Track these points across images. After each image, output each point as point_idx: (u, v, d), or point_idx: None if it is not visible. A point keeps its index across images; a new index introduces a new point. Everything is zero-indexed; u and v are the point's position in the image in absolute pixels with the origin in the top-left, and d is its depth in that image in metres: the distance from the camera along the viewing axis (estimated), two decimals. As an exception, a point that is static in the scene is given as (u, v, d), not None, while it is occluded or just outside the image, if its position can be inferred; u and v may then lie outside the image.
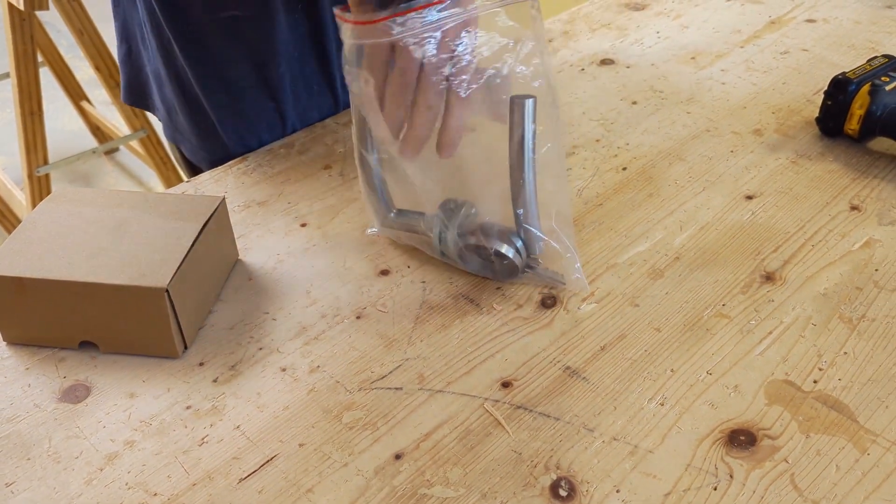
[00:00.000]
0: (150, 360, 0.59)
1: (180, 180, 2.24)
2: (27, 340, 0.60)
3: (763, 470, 0.50)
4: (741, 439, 0.52)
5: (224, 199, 0.65)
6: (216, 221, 0.63)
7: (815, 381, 0.56)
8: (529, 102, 0.57)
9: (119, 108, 2.07)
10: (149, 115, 2.11)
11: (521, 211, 0.60)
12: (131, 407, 0.55)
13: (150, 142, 2.12)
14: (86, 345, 0.59)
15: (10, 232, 2.12)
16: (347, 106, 0.90)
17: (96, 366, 0.59)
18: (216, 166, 0.85)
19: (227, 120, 0.84)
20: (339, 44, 0.62)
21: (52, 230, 0.61)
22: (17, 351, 0.60)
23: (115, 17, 0.89)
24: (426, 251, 0.67)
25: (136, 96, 0.92)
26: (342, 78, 0.85)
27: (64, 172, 2.46)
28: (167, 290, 0.56)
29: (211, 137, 0.86)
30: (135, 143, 2.16)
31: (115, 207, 0.63)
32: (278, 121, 0.85)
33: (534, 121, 0.57)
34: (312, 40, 0.83)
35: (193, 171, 0.94)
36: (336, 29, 0.77)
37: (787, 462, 0.50)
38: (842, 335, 0.59)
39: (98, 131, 2.41)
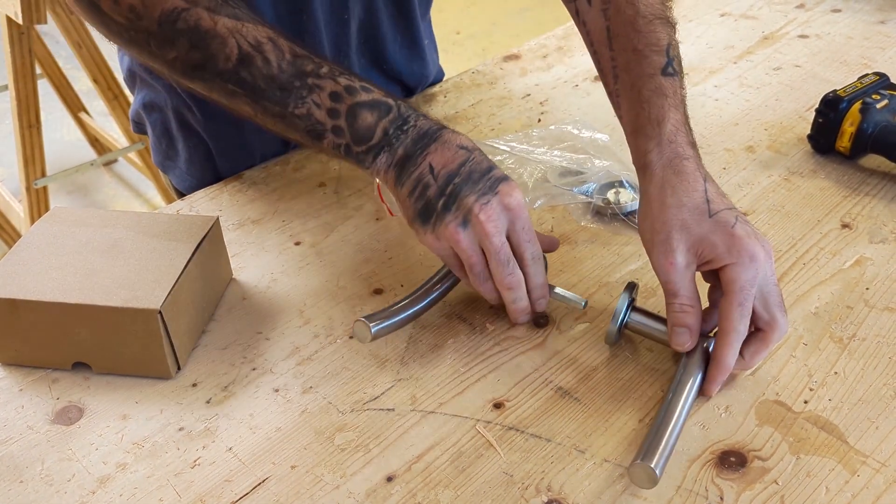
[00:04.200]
0: (144, 380, 0.59)
1: (178, 192, 2.25)
2: (21, 361, 0.60)
3: (753, 492, 0.50)
4: (732, 461, 0.52)
5: (218, 219, 0.65)
6: (210, 242, 0.64)
7: (805, 402, 0.56)
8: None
9: (117, 119, 2.08)
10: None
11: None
12: (124, 429, 0.56)
13: (149, 153, 2.12)
14: (79, 366, 0.60)
15: (7, 244, 2.12)
16: None
17: (89, 387, 0.59)
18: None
19: (222, 148, 0.85)
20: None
21: (46, 251, 0.61)
22: (10, 372, 0.60)
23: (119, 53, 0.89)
24: None
25: (136, 124, 0.93)
26: None
27: (62, 184, 2.46)
28: (160, 312, 0.56)
29: (202, 164, 0.86)
30: (133, 155, 2.17)
31: (109, 228, 0.64)
32: (280, 147, 0.86)
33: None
34: None
35: (181, 197, 0.94)
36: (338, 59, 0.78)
37: (778, 484, 0.51)
38: (832, 355, 0.59)
39: (96, 142, 2.41)
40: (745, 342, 0.55)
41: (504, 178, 0.59)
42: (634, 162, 0.62)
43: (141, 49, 0.59)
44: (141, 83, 0.87)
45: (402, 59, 0.91)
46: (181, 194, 0.93)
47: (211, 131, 0.83)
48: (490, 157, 0.62)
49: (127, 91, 2.09)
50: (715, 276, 0.57)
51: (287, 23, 0.77)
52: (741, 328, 0.54)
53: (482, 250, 0.58)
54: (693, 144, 0.61)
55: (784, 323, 0.55)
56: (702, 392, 0.56)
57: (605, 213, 0.74)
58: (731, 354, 0.54)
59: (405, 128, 0.59)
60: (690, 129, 0.62)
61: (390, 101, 0.60)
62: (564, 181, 0.74)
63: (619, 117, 0.66)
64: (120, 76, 0.97)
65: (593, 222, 0.74)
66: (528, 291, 0.60)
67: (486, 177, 0.58)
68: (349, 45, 0.84)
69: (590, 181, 0.75)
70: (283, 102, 0.58)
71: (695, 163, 0.59)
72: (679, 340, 0.56)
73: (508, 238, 0.59)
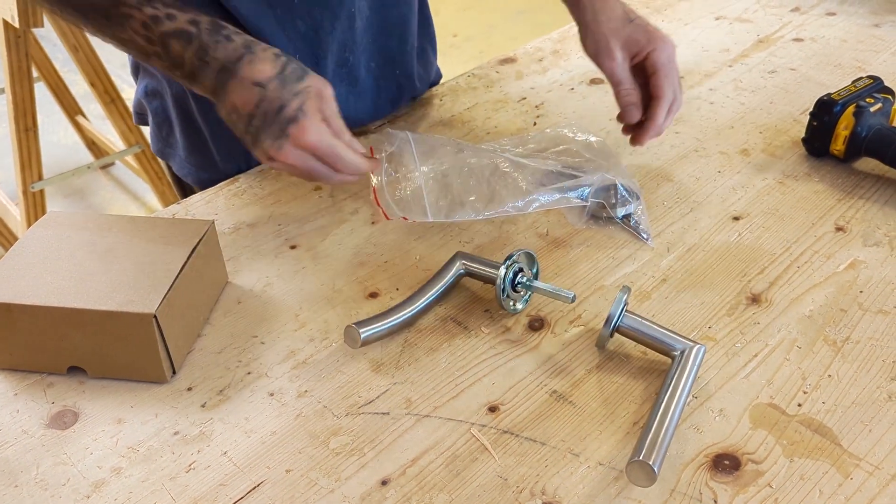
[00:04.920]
0: (139, 384, 0.59)
1: (175, 195, 2.25)
2: (15, 366, 0.60)
3: (747, 495, 0.50)
4: (725, 464, 0.52)
5: (213, 223, 0.65)
6: (205, 246, 0.64)
7: (799, 405, 0.56)
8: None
9: (114, 123, 2.08)
10: (143, 131, 2.12)
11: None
12: (119, 433, 0.56)
13: (146, 157, 2.12)
14: (74, 370, 0.60)
15: (4, 248, 2.12)
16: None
17: (84, 391, 0.59)
18: (203, 180, 0.86)
19: (220, 136, 0.85)
20: (339, 66, 0.72)
21: (41, 255, 0.61)
22: (5, 376, 0.60)
23: None
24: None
25: (138, 115, 0.94)
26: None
27: (59, 188, 2.46)
28: (155, 316, 0.56)
29: (200, 152, 0.87)
30: (130, 158, 2.17)
31: (104, 232, 0.64)
32: None
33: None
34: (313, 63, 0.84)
35: (180, 184, 0.95)
36: (339, 50, 0.81)
37: (771, 487, 0.51)
38: (826, 357, 0.60)
39: (93, 146, 2.41)
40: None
41: (294, 119, 0.62)
42: (568, 2, 0.79)
43: None
44: (143, 72, 0.88)
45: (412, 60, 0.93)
46: (180, 182, 0.94)
47: (208, 119, 0.84)
48: (481, 159, 0.65)
49: (124, 94, 2.10)
50: (641, 73, 0.76)
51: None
52: (670, 94, 0.75)
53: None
54: None
55: (681, 97, 0.77)
56: (633, 141, 0.77)
57: (601, 217, 0.74)
58: (663, 114, 0.75)
59: (206, 59, 0.62)
60: None
61: (192, 28, 0.63)
62: (560, 185, 0.75)
63: None
64: (117, 79, 0.97)
65: (588, 225, 0.74)
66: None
67: (278, 118, 0.62)
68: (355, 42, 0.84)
69: (585, 185, 0.75)
70: (107, 28, 0.63)
71: None
72: (631, 114, 0.76)
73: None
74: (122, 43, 0.64)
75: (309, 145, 0.63)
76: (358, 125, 0.91)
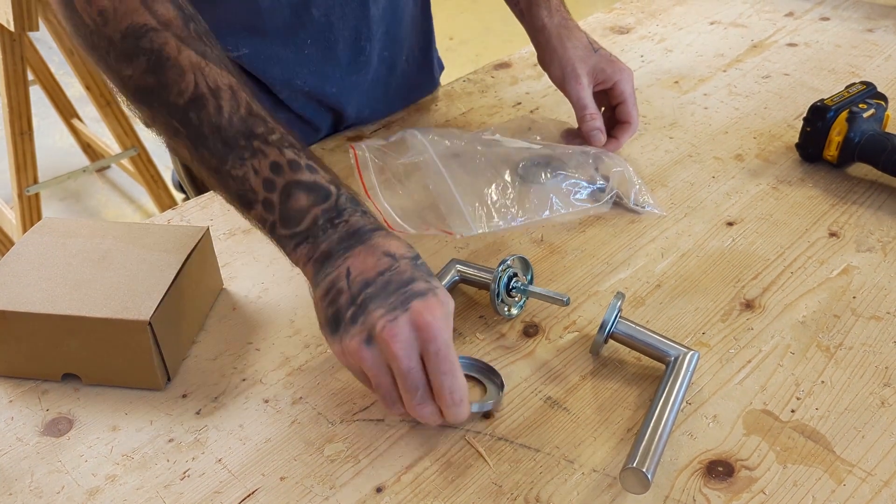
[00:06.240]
0: (133, 392, 0.59)
1: (171, 198, 2.25)
2: (10, 373, 0.60)
3: (741, 501, 0.50)
4: (719, 470, 0.52)
5: (208, 229, 0.65)
6: (200, 252, 0.64)
7: (792, 411, 0.56)
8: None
9: (109, 126, 2.08)
10: (139, 133, 2.11)
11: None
12: (114, 440, 0.56)
13: (141, 160, 2.12)
14: (69, 377, 0.60)
15: (0, 252, 2.11)
16: (352, 124, 0.92)
17: (79, 398, 0.59)
18: None
19: None
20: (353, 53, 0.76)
21: (35, 262, 0.61)
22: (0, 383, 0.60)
23: None
24: None
25: None
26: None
27: (54, 191, 2.45)
28: (150, 323, 0.56)
29: None
30: (126, 162, 2.16)
31: (98, 238, 0.64)
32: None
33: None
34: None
35: (194, 181, 0.96)
36: (352, 38, 0.84)
37: (765, 493, 0.51)
38: (819, 364, 0.60)
39: (89, 149, 2.41)
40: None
41: (423, 294, 0.51)
42: (531, 26, 0.85)
43: (99, 58, 0.56)
44: None
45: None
46: (195, 178, 0.94)
47: None
48: (475, 147, 0.70)
49: (119, 98, 2.10)
50: (602, 100, 0.83)
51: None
52: (637, 121, 0.83)
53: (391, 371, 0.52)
54: (569, 13, 0.85)
55: (637, 120, 0.84)
56: (605, 146, 0.82)
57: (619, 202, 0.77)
58: (627, 137, 0.83)
59: (336, 221, 0.54)
60: (565, 5, 0.86)
61: (332, 188, 0.55)
62: (543, 169, 0.77)
63: (515, 2, 0.86)
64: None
65: (584, 203, 0.76)
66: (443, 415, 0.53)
67: (403, 290, 0.51)
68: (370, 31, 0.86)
69: (569, 165, 0.77)
70: (223, 158, 0.54)
71: (575, 23, 0.84)
72: (597, 138, 0.81)
73: (422, 359, 0.51)
74: (219, 175, 0.54)
75: (426, 325, 0.50)
76: (362, 121, 0.92)
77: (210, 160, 0.54)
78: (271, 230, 0.55)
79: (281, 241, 0.55)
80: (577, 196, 0.76)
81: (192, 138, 0.54)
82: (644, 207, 0.77)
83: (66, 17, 0.57)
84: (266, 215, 0.54)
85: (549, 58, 0.83)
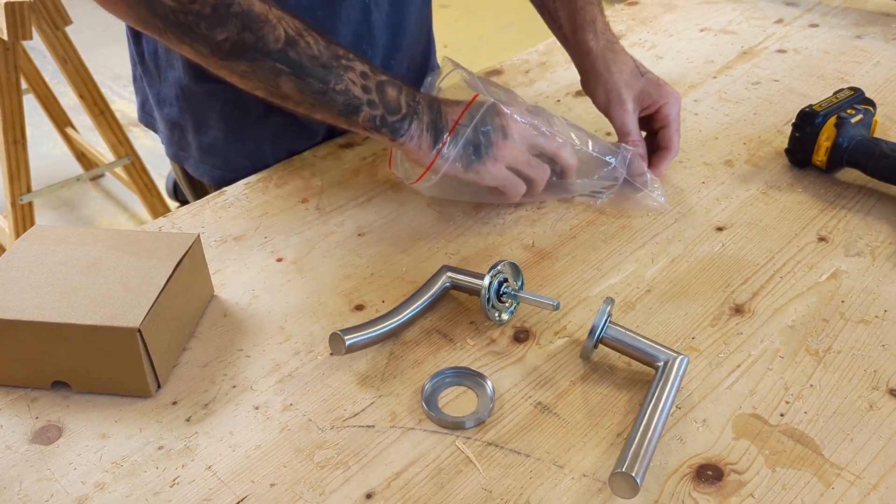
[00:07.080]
0: (123, 399, 0.59)
1: (165, 206, 2.24)
2: None
3: (730, 505, 0.50)
4: (708, 474, 0.52)
5: (199, 236, 0.65)
6: (191, 259, 0.64)
7: (781, 415, 0.56)
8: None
9: (103, 134, 2.08)
10: (132, 142, 2.11)
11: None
12: (103, 448, 0.55)
13: (135, 168, 2.12)
14: (58, 385, 0.60)
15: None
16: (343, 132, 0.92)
17: (69, 406, 0.59)
18: (218, 179, 0.89)
19: (233, 137, 0.87)
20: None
21: (25, 270, 0.61)
22: (-11, 391, 0.60)
23: (134, 41, 0.91)
24: None
25: (146, 117, 0.96)
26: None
27: (48, 200, 2.45)
28: (139, 331, 0.56)
29: (215, 154, 0.89)
30: (119, 170, 2.16)
31: (89, 246, 0.64)
32: (280, 139, 0.89)
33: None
34: None
35: (193, 185, 0.96)
36: (354, 41, 0.86)
37: (754, 497, 0.51)
38: (808, 367, 0.60)
39: (83, 157, 2.41)
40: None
41: (500, 129, 0.70)
42: (576, 51, 0.83)
43: (185, 31, 0.62)
44: (150, 81, 0.90)
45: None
46: (193, 183, 0.95)
47: (222, 122, 0.87)
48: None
49: (114, 105, 2.10)
50: (648, 124, 0.82)
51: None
52: (678, 147, 0.81)
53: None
54: (615, 36, 0.83)
55: (678, 146, 0.82)
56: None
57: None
58: (667, 164, 0.81)
59: (416, 98, 0.70)
60: (610, 26, 0.84)
61: (396, 79, 0.70)
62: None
63: (559, 26, 0.86)
64: (106, 91, 0.98)
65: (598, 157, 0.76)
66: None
67: (494, 121, 0.70)
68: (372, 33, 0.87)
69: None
70: (326, 79, 0.65)
71: (621, 46, 0.82)
72: (638, 166, 0.78)
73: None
74: (325, 95, 0.66)
75: (515, 136, 0.70)
76: None
77: (315, 84, 0.66)
78: (381, 123, 0.68)
79: (393, 128, 0.68)
80: (594, 153, 0.76)
81: (297, 72, 0.65)
82: (653, 193, 0.77)
83: (139, 2, 0.62)
84: (374, 112, 0.68)
85: (594, 82, 0.81)
